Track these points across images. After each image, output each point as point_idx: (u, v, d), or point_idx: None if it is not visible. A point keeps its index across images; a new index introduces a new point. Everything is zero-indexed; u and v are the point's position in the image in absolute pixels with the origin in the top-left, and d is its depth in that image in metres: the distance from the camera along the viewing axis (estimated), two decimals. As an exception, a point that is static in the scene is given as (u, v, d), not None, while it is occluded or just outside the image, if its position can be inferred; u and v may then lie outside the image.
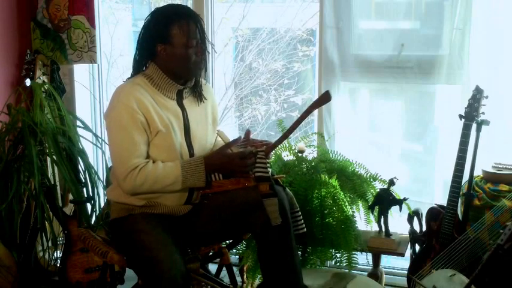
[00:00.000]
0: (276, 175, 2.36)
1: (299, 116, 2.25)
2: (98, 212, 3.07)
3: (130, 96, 2.15)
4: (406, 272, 2.70)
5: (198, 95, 2.33)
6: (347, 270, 2.67)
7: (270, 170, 2.22)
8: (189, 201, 2.26)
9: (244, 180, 2.21)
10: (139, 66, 2.27)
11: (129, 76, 2.28)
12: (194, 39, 2.19)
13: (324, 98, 2.23)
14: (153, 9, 2.29)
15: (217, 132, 2.42)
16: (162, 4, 4.19)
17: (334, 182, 2.67)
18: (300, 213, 2.29)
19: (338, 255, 2.67)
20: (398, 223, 2.82)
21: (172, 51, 2.18)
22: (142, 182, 2.13)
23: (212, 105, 2.41)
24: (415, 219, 2.70)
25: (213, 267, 2.79)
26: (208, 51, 2.30)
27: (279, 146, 2.88)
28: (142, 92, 2.17)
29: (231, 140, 2.31)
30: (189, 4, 3.24)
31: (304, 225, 2.29)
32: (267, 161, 2.21)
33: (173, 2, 2.99)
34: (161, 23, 2.19)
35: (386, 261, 3.13)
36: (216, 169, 2.22)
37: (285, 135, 2.27)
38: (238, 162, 2.19)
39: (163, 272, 1.99)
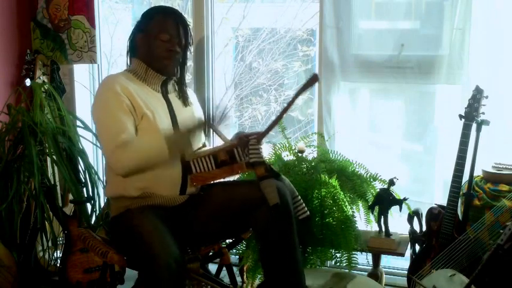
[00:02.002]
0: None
1: (288, 101, 2.23)
2: (98, 212, 3.07)
3: (115, 82, 2.22)
4: (406, 272, 2.70)
5: (183, 99, 2.40)
6: (347, 270, 2.67)
7: (263, 155, 2.20)
8: (183, 191, 2.27)
9: (237, 167, 2.19)
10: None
11: None
12: (167, 33, 2.28)
13: (312, 80, 2.22)
14: None
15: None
16: (161, 3, 4.21)
17: (334, 182, 2.67)
18: (299, 197, 2.25)
19: (338, 255, 2.67)
20: (398, 223, 2.82)
21: (145, 39, 2.30)
22: (130, 157, 2.13)
23: (197, 108, 2.48)
24: (415, 219, 2.70)
25: (213, 267, 2.79)
26: (186, 54, 2.38)
27: (278, 146, 2.90)
28: (127, 82, 2.25)
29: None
30: (189, 4, 3.24)
31: (306, 209, 2.24)
32: (260, 146, 2.21)
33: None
34: (145, 16, 2.34)
35: (386, 261, 3.13)
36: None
37: (275, 121, 2.22)
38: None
39: (158, 258, 1.98)
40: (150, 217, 2.16)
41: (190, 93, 2.49)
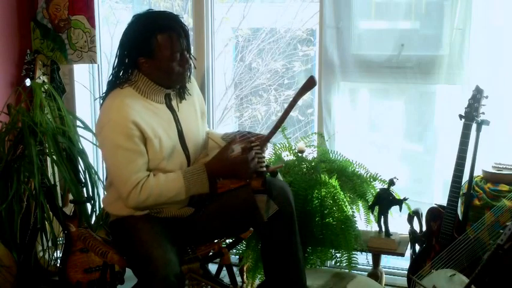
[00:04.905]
0: (272, 166, 2.36)
1: (287, 105, 2.23)
2: (98, 212, 3.07)
3: (121, 111, 2.10)
4: (406, 272, 2.70)
5: (183, 92, 2.30)
6: (347, 270, 2.67)
7: (265, 164, 2.21)
8: (191, 203, 2.26)
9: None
10: (123, 76, 2.21)
11: (113, 85, 2.21)
12: (178, 52, 2.14)
13: (310, 84, 2.23)
14: (133, 16, 2.19)
15: (208, 135, 2.40)
16: (162, 4, 4.20)
17: (334, 182, 2.67)
18: None
19: (338, 255, 2.67)
20: (398, 223, 2.82)
21: (155, 64, 2.14)
22: (147, 197, 2.11)
23: (198, 98, 2.38)
24: (415, 219, 2.70)
25: (213, 267, 2.79)
26: (192, 59, 2.23)
27: (278, 146, 2.90)
28: (131, 105, 2.12)
29: (220, 138, 2.31)
30: (189, 4, 3.23)
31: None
32: (263, 155, 2.21)
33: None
34: (142, 36, 2.12)
35: (386, 261, 3.13)
36: (219, 174, 2.19)
37: (277, 126, 2.24)
38: (241, 167, 2.15)
39: (157, 269, 1.97)
40: (154, 227, 2.14)
41: (191, 83, 2.35)
